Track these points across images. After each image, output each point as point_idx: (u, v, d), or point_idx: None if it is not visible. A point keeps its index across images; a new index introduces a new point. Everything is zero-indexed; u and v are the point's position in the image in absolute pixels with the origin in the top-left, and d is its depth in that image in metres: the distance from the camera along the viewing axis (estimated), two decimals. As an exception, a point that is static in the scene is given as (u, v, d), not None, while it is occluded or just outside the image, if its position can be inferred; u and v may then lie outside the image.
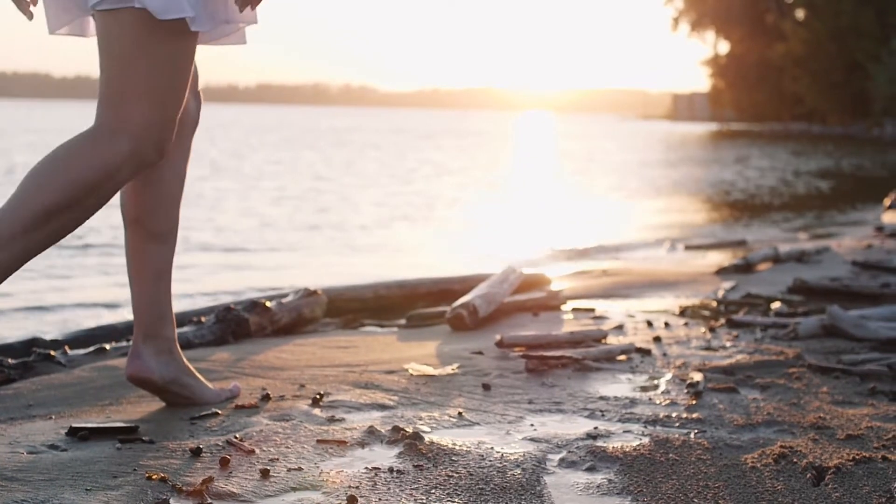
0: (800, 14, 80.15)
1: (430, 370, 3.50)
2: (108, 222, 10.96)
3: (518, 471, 2.44)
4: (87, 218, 2.61)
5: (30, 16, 2.69)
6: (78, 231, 10.01)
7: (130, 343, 2.92)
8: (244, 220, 11.84)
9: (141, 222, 2.88)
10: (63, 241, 9.19)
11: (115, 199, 2.77)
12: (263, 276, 7.58)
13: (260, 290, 6.33)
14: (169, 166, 2.89)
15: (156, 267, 2.91)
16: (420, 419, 2.87)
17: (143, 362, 2.89)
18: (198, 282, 7.29)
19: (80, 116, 72.11)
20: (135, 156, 2.61)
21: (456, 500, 2.25)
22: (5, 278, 2.50)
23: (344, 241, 10.17)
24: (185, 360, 3.01)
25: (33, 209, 2.51)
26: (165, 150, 2.68)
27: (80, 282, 7.24)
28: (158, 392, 2.96)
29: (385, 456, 2.54)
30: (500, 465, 2.47)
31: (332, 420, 2.84)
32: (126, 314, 5.82)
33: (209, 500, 2.19)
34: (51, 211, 2.52)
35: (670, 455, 2.59)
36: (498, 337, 3.94)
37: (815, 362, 3.69)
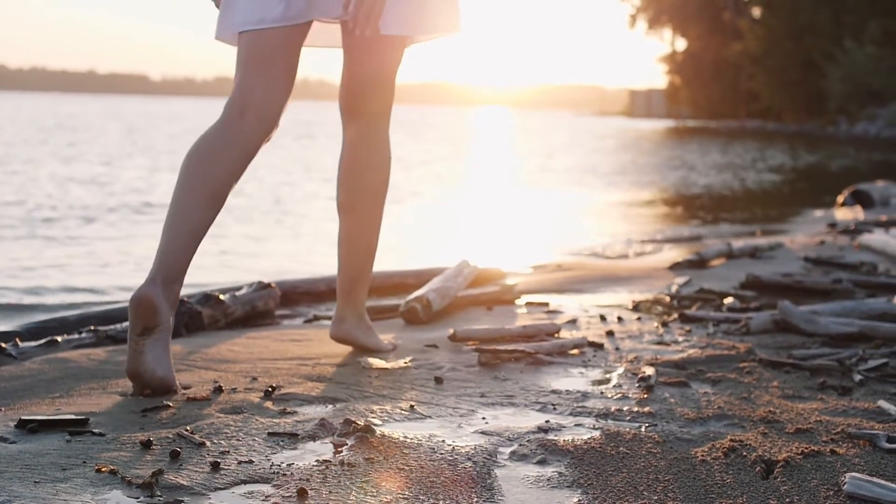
0: (756, 12, 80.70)
1: (382, 363, 3.51)
2: (63, 212, 10.88)
3: (469, 464, 2.45)
4: None
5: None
6: (34, 219, 9.89)
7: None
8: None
9: (205, 187, 3.15)
10: (13, 233, 9.07)
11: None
12: (217, 268, 7.55)
13: (214, 283, 6.29)
14: (232, 152, 3.18)
15: (196, 226, 3.16)
16: (372, 412, 2.87)
17: (156, 298, 2.99)
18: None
19: (33, 107, 71.55)
20: None
21: (406, 493, 2.25)
22: None
23: (299, 233, 10.14)
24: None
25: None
26: None
27: (31, 273, 7.18)
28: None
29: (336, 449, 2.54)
30: (450, 458, 2.47)
31: (283, 413, 2.84)
32: (78, 301, 5.79)
33: (159, 493, 2.19)
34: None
35: (621, 448, 2.60)
36: (451, 331, 3.95)
37: (766, 357, 3.72)
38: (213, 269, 7.51)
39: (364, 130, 3.51)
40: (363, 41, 3.41)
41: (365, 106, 3.50)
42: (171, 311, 3.07)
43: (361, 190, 3.54)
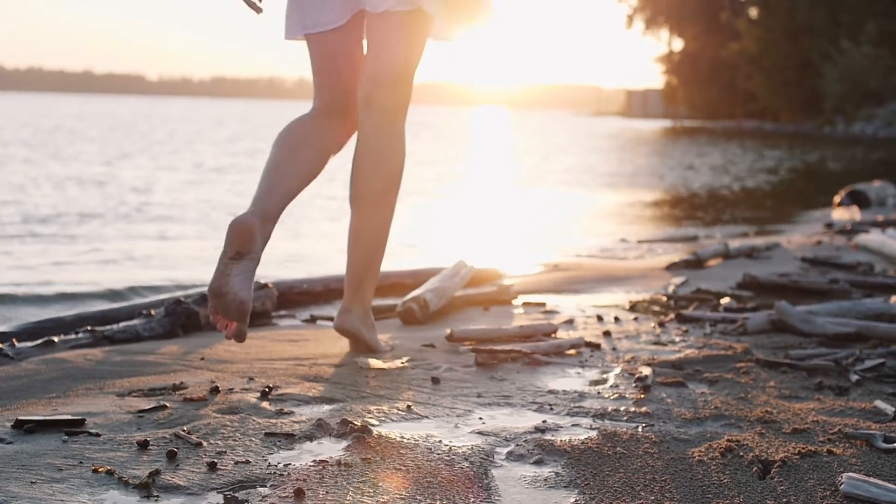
0: (753, 12, 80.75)
1: (379, 363, 3.51)
2: (61, 212, 10.88)
3: (466, 464, 2.44)
4: None
5: (258, 10, 3.41)
6: (31, 219, 9.87)
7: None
8: (198, 211, 11.78)
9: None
10: (10, 231, 9.06)
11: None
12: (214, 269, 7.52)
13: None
14: (324, 143, 3.58)
15: (290, 184, 3.54)
16: (369, 412, 2.87)
17: (254, 227, 3.24)
18: (148, 273, 7.25)
19: (30, 108, 71.48)
20: None
21: (403, 493, 2.25)
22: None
23: (297, 233, 10.14)
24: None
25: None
26: None
27: (29, 273, 7.17)
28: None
29: (333, 449, 2.54)
30: (447, 459, 2.47)
31: (280, 413, 2.84)
32: (75, 295, 5.79)
33: (156, 493, 2.18)
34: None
35: (618, 449, 2.60)
36: (448, 331, 3.95)
37: (763, 357, 3.72)
38: (210, 268, 7.50)
39: (377, 125, 3.53)
40: (387, 35, 3.47)
41: (380, 101, 3.52)
42: (263, 246, 3.25)
43: (371, 184, 3.56)
